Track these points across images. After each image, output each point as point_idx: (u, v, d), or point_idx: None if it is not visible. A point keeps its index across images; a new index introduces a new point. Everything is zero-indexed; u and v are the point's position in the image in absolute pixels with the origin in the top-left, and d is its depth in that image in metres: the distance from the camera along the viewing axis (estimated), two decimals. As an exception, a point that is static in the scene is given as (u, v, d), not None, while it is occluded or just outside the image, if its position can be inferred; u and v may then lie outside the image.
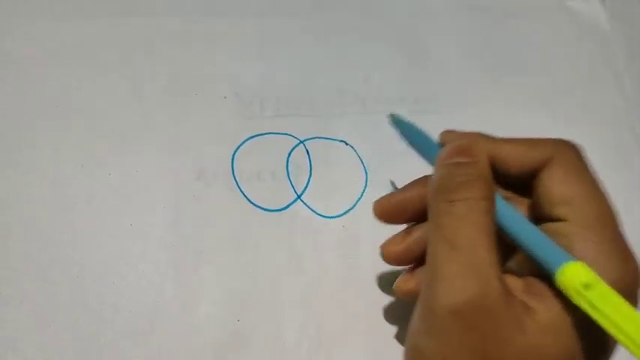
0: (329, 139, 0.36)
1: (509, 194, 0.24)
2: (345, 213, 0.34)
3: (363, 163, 0.36)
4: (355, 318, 0.31)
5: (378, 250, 0.32)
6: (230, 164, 0.34)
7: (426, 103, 0.39)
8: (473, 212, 0.21)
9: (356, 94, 0.38)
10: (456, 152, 0.23)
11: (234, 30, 0.38)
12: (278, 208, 0.33)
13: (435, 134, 0.37)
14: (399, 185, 0.30)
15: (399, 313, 0.31)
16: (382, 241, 0.34)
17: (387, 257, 0.27)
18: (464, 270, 0.19)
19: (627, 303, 0.18)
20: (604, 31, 0.45)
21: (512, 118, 0.40)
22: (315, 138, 0.36)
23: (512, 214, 0.22)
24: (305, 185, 0.34)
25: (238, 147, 0.34)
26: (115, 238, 0.31)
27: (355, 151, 0.36)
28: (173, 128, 0.34)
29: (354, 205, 0.34)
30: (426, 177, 0.27)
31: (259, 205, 0.33)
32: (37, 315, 0.28)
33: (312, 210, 0.34)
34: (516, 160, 0.23)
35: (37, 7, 0.36)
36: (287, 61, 0.38)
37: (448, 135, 0.26)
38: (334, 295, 0.32)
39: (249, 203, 0.33)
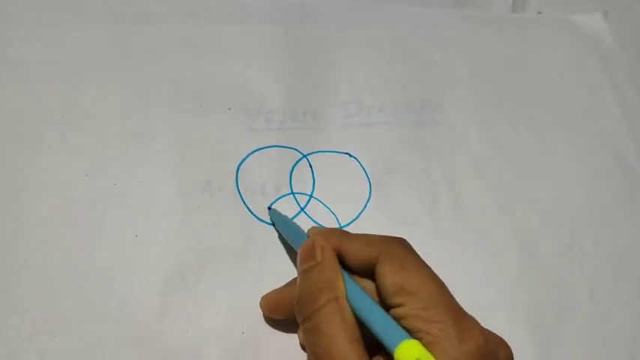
0: (332, 151, 0.36)
1: (357, 279, 0.26)
2: (349, 224, 0.34)
3: (366, 175, 0.36)
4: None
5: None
6: (235, 177, 0.34)
7: (430, 114, 0.39)
8: (324, 321, 0.23)
9: (360, 104, 0.38)
10: (305, 256, 0.26)
11: (240, 40, 0.38)
12: (282, 221, 0.34)
13: (438, 144, 0.38)
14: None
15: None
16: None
17: (262, 307, 0.30)
18: None
19: None
20: (606, 45, 0.45)
21: (515, 129, 0.40)
22: (318, 152, 0.36)
23: (361, 295, 0.24)
24: (308, 198, 0.35)
25: (243, 160, 0.35)
26: (120, 248, 0.31)
27: (359, 162, 0.36)
28: (178, 139, 0.34)
29: (357, 217, 0.35)
30: None
31: (263, 218, 0.33)
32: (40, 323, 0.28)
33: (316, 222, 0.34)
34: (356, 256, 0.25)
35: (43, 13, 0.36)
36: (292, 72, 0.38)
37: (311, 230, 0.30)
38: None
39: (252, 216, 0.33)
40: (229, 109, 0.36)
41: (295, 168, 0.35)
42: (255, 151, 0.35)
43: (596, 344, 0.34)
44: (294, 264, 0.32)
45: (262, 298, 0.30)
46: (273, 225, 0.33)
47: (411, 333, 0.22)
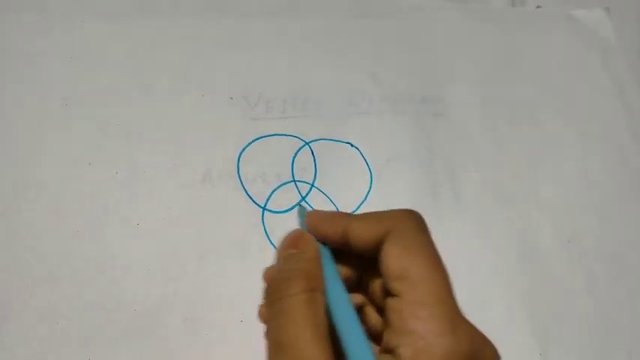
0: (334, 140, 0.36)
1: (367, 268, 0.25)
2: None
3: (368, 165, 0.36)
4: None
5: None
6: (236, 165, 0.34)
7: (431, 105, 0.39)
8: (291, 309, 0.21)
9: (363, 93, 0.38)
10: (286, 244, 0.25)
11: (242, 30, 0.38)
12: (283, 209, 0.34)
13: (440, 136, 0.38)
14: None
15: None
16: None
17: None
18: None
19: None
20: (608, 41, 0.45)
21: (515, 123, 0.40)
22: (320, 140, 0.36)
23: (341, 301, 0.22)
24: (310, 187, 0.35)
25: (244, 148, 0.35)
26: (121, 237, 0.31)
27: (360, 152, 0.36)
28: (180, 129, 0.34)
29: (359, 207, 0.35)
30: None
31: (264, 206, 0.33)
32: (43, 310, 0.29)
33: (317, 211, 0.34)
34: (363, 235, 0.23)
35: (47, 4, 0.36)
36: (294, 61, 0.38)
37: (311, 214, 0.27)
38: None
39: (254, 204, 0.33)
40: (231, 98, 0.36)
41: (297, 156, 0.35)
42: (256, 139, 0.35)
43: (594, 340, 0.34)
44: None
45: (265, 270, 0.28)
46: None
47: (401, 328, 0.21)
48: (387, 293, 0.22)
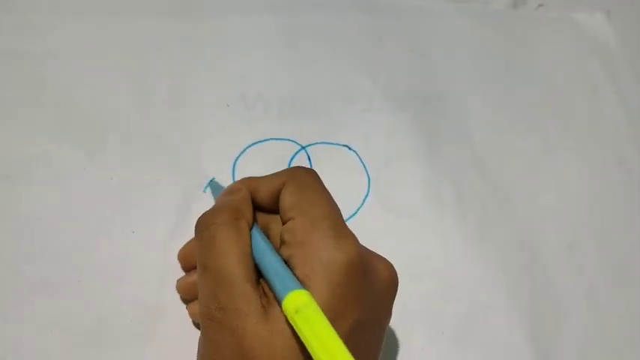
0: (331, 144, 0.36)
1: (270, 216, 0.27)
2: (346, 220, 0.34)
3: (365, 170, 0.36)
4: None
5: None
6: (231, 171, 0.34)
7: (430, 106, 0.39)
8: (217, 233, 0.24)
9: (362, 93, 0.38)
10: (222, 194, 0.28)
11: (240, 30, 0.38)
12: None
13: (440, 137, 0.37)
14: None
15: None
16: (383, 248, 0.34)
17: (177, 289, 0.30)
18: (213, 285, 0.23)
19: (328, 326, 0.20)
20: (608, 44, 0.45)
21: (516, 126, 0.40)
22: (317, 144, 0.36)
23: (261, 245, 0.24)
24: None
25: (240, 154, 0.34)
26: (117, 245, 0.31)
27: (358, 155, 0.36)
28: (176, 134, 0.34)
29: (356, 212, 0.34)
30: None
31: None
32: (37, 318, 0.28)
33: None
34: (265, 188, 0.26)
35: (43, 5, 0.36)
36: (292, 60, 0.38)
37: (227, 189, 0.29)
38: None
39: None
40: (227, 105, 0.36)
41: (293, 161, 0.35)
42: (251, 144, 0.35)
43: (594, 347, 0.34)
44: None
45: (179, 251, 0.30)
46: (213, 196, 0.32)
47: (292, 242, 0.23)
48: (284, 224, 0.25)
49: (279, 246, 0.24)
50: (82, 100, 0.34)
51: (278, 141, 0.35)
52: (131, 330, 0.29)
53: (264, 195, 0.26)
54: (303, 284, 0.22)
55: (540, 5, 0.45)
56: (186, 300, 0.30)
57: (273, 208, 0.26)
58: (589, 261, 0.36)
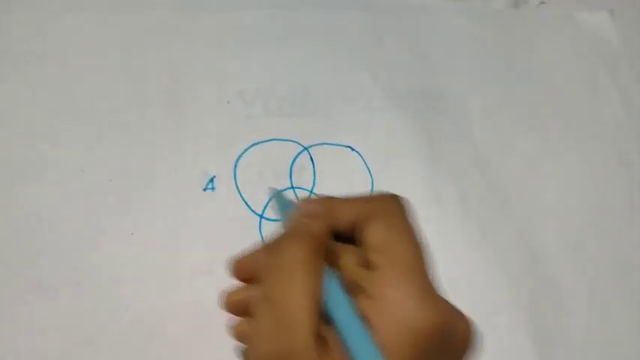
0: (334, 144, 0.36)
1: (345, 245, 0.25)
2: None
3: (368, 169, 0.35)
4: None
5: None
6: (233, 172, 0.33)
7: (431, 104, 0.39)
8: (291, 264, 0.21)
9: (361, 91, 0.38)
10: (297, 214, 0.24)
11: (239, 27, 0.38)
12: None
13: (441, 136, 0.37)
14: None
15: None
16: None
17: (223, 306, 0.27)
18: (274, 325, 0.20)
19: None
20: (611, 44, 0.44)
21: (518, 122, 0.40)
22: (319, 144, 0.35)
23: (339, 296, 0.22)
24: (309, 194, 0.34)
25: (241, 154, 0.34)
26: (115, 246, 0.30)
27: (361, 156, 0.36)
28: (176, 134, 0.34)
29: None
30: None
31: (261, 214, 0.33)
32: (36, 319, 0.28)
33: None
34: (346, 216, 0.24)
35: (42, 4, 0.35)
36: (292, 58, 0.38)
37: (302, 199, 0.27)
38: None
39: (251, 212, 0.33)
40: (228, 102, 0.35)
41: (296, 161, 0.35)
42: (253, 144, 0.34)
43: (597, 347, 0.34)
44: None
45: (229, 262, 0.27)
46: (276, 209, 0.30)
47: (374, 295, 0.21)
48: (364, 266, 0.23)
49: (348, 284, 0.23)
50: (81, 99, 0.33)
51: (280, 142, 0.35)
52: (130, 330, 0.29)
53: (343, 221, 0.24)
54: (380, 348, 0.20)
55: (542, 3, 0.45)
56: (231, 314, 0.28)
57: (349, 236, 0.24)
58: (591, 260, 0.37)
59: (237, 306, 0.26)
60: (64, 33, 0.35)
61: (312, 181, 0.34)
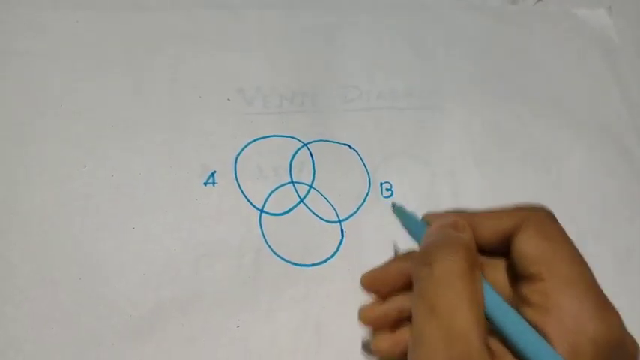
0: (333, 142, 0.36)
1: (485, 259, 0.25)
2: (347, 218, 0.34)
3: (366, 168, 0.36)
4: (353, 319, 0.31)
5: (380, 255, 0.32)
6: (233, 167, 0.34)
7: (429, 102, 0.39)
8: (452, 274, 0.21)
9: (360, 89, 0.38)
10: (444, 225, 0.24)
11: (239, 26, 0.38)
12: (280, 212, 0.33)
13: (439, 134, 0.38)
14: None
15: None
16: (383, 246, 0.34)
17: (364, 320, 0.27)
18: (444, 333, 0.20)
19: None
20: (610, 39, 0.45)
21: (517, 121, 0.40)
22: (319, 141, 0.36)
23: (501, 305, 0.21)
24: (308, 189, 0.34)
25: (241, 150, 0.34)
26: (116, 241, 0.31)
27: (359, 155, 0.36)
28: (176, 130, 0.34)
29: (357, 210, 0.34)
30: (408, 252, 0.28)
31: (261, 208, 0.33)
32: (37, 314, 0.28)
33: (315, 214, 0.34)
34: (491, 230, 0.24)
35: (43, 3, 0.35)
36: (290, 57, 0.38)
37: (431, 215, 0.27)
38: (334, 298, 0.32)
39: (251, 207, 0.33)
40: (228, 99, 0.35)
41: (295, 157, 0.35)
42: (253, 140, 0.35)
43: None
44: (290, 260, 0.32)
45: (363, 276, 0.28)
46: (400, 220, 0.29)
47: (548, 306, 0.21)
48: (522, 278, 0.22)
49: (502, 296, 0.22)
50: (82, 97, 0.34)
51: (280, 138, 0.35)
52: (131, 326, 0.29)
53: (487, 234, 0.24)
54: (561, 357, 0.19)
55: (539, 1, 0.45)
56: (373, 329, 0.28)
57: (494, 249, 0.24)
58: (590, 256, 0.36)
59: (378, 320, 0.27)
60: (66, 31, 0.35)
61: (311, 176, 0.35)
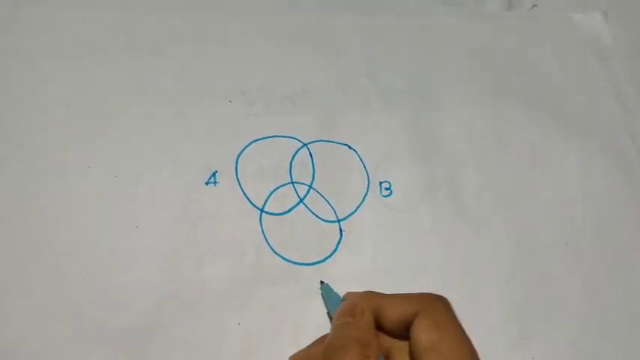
0: (333, 142, 0.36)
1: (395, 342, 0.26)
2: (346, 217, 0.34)
3: (365, 168, 0.36)
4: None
5: (378, 254, 0.33)
6: (234, 167, 0.34)
7: (428, 104, 0.39)
8: None
9: (360, 90, 0.38)
10: (342, 313, 0.26)
11: (241, 28, 0.38)
12: (281, 211, 0.34)
13: (437, 136, 0.38)
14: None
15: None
16: (382, 246, 0.34)
17: None
18: None
19: None
20: (605, 44, 0.45)
21: (514, 123, 0.40)
22: (319, 141, 0.36)
23: None
24: (308, 189, 0.35)
25: (242, 150, 0.35)
26: (121, 239, 0.31)
27: (358, 155, 0.36)
28: (179, 131, 0.34)
29: (356, 210, 0.35)
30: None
31: (262, 208, 0.34)
32: (41, 310, 0.29)
33: (314, 214, 0.34)
34: (394, 314, 0.26)
35: (47, 3, 0.36)
36: (292, 58, 0.38)
37: (348, 294, 0.30)
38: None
39: (251, 206, 0.33)
40: (229, 101, 0.36)
41: (295, 157, 0.35)
42: (254, 141, 0.35)
43: (590, 342, 0.34)
44: (290, 259, 0.33)
45: (290, 358, 0.30)
46: (323, 298, 0.32)
47: None
48: None
49: None
50: (86, 98, 0.34)
51: (280, 138, 0.36)
52: (133, 324, 0.29)
53: (391, 319, 0.26)
54: None
55: (534, 6, 0.46)
56: None
57: (398, 334, 0.26)
58: (585, 255, 0.37)
59: None
60: (72, 32, 0.35)
61: (311, 176, 0.35)
